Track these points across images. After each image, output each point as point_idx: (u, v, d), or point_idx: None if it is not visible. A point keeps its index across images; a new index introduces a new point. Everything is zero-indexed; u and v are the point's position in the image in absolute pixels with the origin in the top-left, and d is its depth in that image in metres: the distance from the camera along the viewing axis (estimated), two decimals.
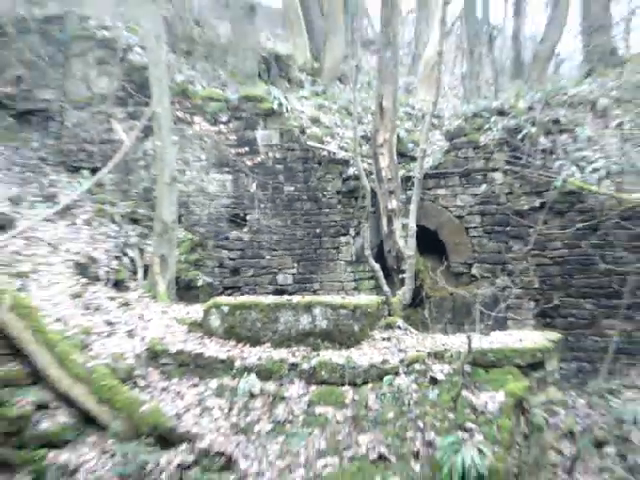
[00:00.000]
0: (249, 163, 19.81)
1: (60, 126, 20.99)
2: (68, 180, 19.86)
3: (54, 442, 13.32)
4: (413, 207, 17.82)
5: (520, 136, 18.31)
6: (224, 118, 20.14)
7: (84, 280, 16.42)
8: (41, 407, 13.56)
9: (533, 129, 18.25)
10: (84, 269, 16.92)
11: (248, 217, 19.74)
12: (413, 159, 18.58)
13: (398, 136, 18.87)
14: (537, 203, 17.93)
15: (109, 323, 14.85)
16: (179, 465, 12.88)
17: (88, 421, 13.50)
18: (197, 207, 19.65)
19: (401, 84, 20.63)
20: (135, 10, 21.87)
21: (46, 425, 13.46)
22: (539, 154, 18.11)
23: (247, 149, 19.95)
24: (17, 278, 15.43)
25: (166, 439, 13.11)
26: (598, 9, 24.41)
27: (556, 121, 18.29)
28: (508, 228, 18.17)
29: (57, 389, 13.64)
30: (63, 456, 13.19)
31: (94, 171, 19.30)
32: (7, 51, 21.67)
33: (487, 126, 18.88)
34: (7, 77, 21.55)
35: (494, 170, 18.47)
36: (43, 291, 15.49)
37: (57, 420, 13.50)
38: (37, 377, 13.74)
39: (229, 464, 12.83)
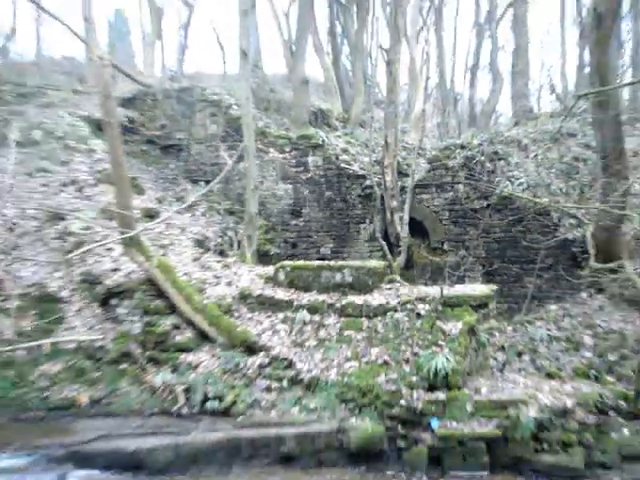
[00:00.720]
0: (303, 177, 19.84)
1: (187, 155, 21.11)
2: (191, 188, 20.02)
3: (184, 348, 13.54)
4: (406, 206, 17.89)
5: (474, 162, 18.28)
6: (288, 149, 20.17)
7: (200, 250, 16.55)
8: (175, 327, 13.78)
9: (482, 157, 18.22)
10: (200, 243, 17.07)
11: (302, 211, 19.77)
12: (406, 175, 18.58)
13: (397, 161, 18.87)
14: (485, 204, 17.90)
15: (216, 277, 14.95)
16: (259, 364, 13.03)
17: (203, 337, 13.68)
18: (270, 205, 19.71)
19: (399, 128, 20.57)
20: (233, 83, 22.01)
21: (179, 338, 13.68)
22: (485, 173, 18.09)
23: (302, 169, 19.97)
24: (160, 248, 15.60)
25: (251, 349, 13.25)
26: (521, 84, 24.57)
27: (496, 152, 18.25)
28: (466, 219, 18.14)
29: (185, 317, 13.85)
30: (189, 357, 13.40)
31: (207, 182, 19.41)
32: (157, 109, 21.87)
33: (453, 155, 18.81)
34: (156, 125, 21.72)
35: (457, 183, 18.42)
36: (176, 256, 15.65)
37: (185, 335, 13.72)
38: (172, 309, 13.95)
39: (290, 365, 12.95)
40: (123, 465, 10.67)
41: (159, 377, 12.93)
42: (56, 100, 22.71)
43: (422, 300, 13.33)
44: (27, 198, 17.17)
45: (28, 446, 10.94)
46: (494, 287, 14.50)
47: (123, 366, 13.44)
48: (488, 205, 17.79)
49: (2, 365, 13.20)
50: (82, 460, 10.68)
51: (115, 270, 14.79)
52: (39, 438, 11.39)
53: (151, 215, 17.16)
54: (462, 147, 19.01)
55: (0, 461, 10.42)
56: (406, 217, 17.84)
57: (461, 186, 18.37)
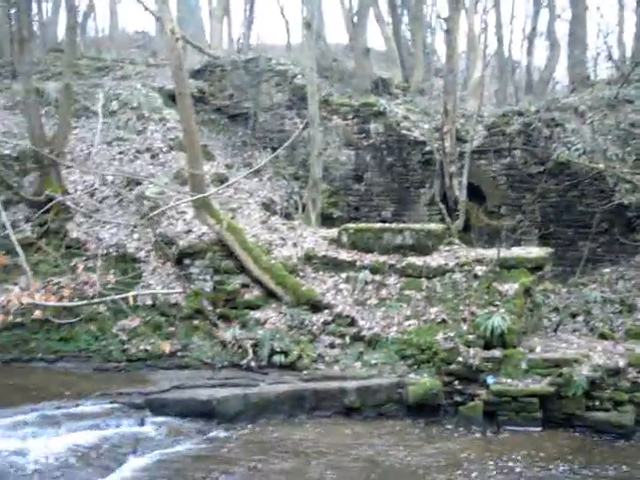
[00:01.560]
0: (365, 144, 19.74)
1: (254, 123, 21.18)
2: (258, 154, 20.12)
3: (252, 306, 13.76)
4: (465, 171, 17.71)
5: (531, 128, 17.96)
6: (350, 116, 20.06)
7: (267, 213, 16.65)
8: (244, 286, 13.99)
9: (539, 124, 17.87)
10: (267, 207, 17.18)
11: (364, 176, 19.71)
12: (465, 141, 18.33)
13: (456, 128, 18.64)
14: (541, 169, 17.57)
15: (282, 238, 15.04)
16: (323, 321, 13.18)
17: (270, 295, 13.87)
18: (333, 170, 19.69)
19: (458, 95, 20.30)
20: (298, 53, 21.97)
21: (247, 296, 13.90)
22: (542, 139, 17.78)
23: (364, 135, 19.85)
24: (230, 211, 15.77)
25: (316, 307, 13.39)
26: (578, 52, 23.91)
27: (553, 119, 17.87)
28: (523, 184, 17.88)
29: (253, 276, 14.04)
30: (257, 314, 13.62)
31: (273, 149, 19.48)
32: (225, 80, 21.98)
33: (510, 122, 18.48)
34: (224, 95, 21.84)
35: (515, 149, 18.13)
36: (244, 219, 15.80)
37: (253, 294, 13.93)
38: (241, 269, 14.15)
39: (352, 322, 13.07)
40: (196, 413, 10.97)
41: (229, 333, 13.18)
42: (131, 73, 23.00)
43: (479, 262, 13.26)
44: (106, 165, 17.52)
45: (110, 394, 11.31)
46: (549, 250, 14.32)
47: (195, 322, 13.73)
48: (544, 170, 17.47)
49: (86, 320, 13.61)
50: (159, 407, 11.01)
51: (188, 232, 15.03)
52: (120, 387, 11.76)
53: (221, 180, 17.33)
54: (519, 114, 18.66)
55: (85, 407, 10.80)
56: (464, 182, 17.65)
57: (518, 152, 18.07)
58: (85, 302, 5.88)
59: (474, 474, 8.90)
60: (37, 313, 3.17)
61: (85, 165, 17.50)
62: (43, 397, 11.07)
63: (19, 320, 12.81)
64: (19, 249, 5.80)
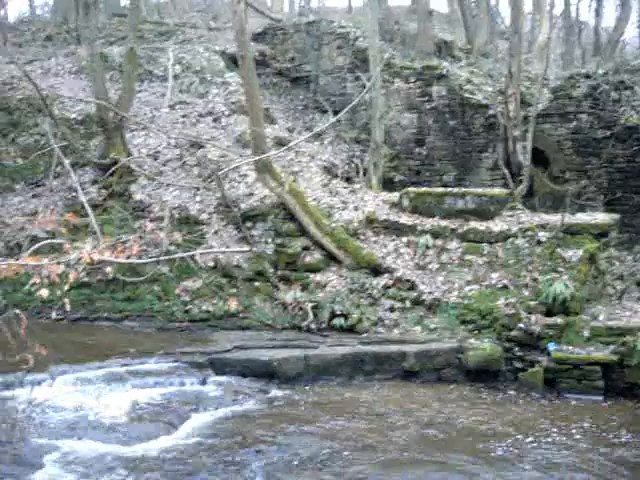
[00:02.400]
0: (427, 107, 19.44)
1: (315, 86, 21.05)
2: (319, 118, 20.00)
3: (313, 269, 13.84)
4: (529, 135, 17.30)
5: (598, 91, 17.45)
6: (412, 79, 19.74)
7: (328, 177, 16.61)
8: (305, 249, 14.05)
9: (607, 86, 17.35)
10: (328, 170, 17.11)
11: (426, 140, 19.44)
12: (529, 105, 17.90)
13: (521, 91, 18.21)
14: (608, 133, 17.08)
15: (343, 202, 15.03)
16: (384, 285, 13.17)
17: (331, 259, 13.91)
18: (395, 134, 19.46)
19: (523, 58, 19.80)
20: (360, 17, 21.68)
21: (308, 259, 13.95)
22: (610, 103, 17.27)
23: (426, 98, 19.48)
24: (291, 175, 15.76)
25: (376, 270, 13.40)
26: None
27: (622, 82, 17.31)
28: (589, 149, 17.43)
29: (314, 239, 14.09)
30: (317, 277, 13.68)
31: (335, 112, 19.31)
32: (286, 43, 21.83)
33: (577, 85, 18.01)
34: (286, 58, 21.69)
35: (581, 113, 17.63)
36: (305, 182, 15.78)
37: (314, 257, 13.98)
38: (302, 232, 14.20)
39: (413, 286, 13.04)
40: (256, 373, 11.16)
41: (290, 295, 13.28)
42: (193, 37, 23.05)
43: (543, 227, 13.06)
44: (169, 128, 17.65)
45: (173, 353, 11.55)
46: (615, 216, 14.01)
47: (257, 284, 13.87)
48: (612, 135, 16.97)
49: (149, 281, 13.87)
50: (221, 367, 11.22)
51: (249, 195, 15.12)
52: (183, 346, 12.01)
53: (282, 143, 17.29)
54: (586, 76, 18.11)
55: (149, 365, 11.04)
56: (529, 146, 17.26)
57: (584, 115, 17.57)
58: (153, 259, 5.97)
59: (534, 440, 8.82)
60: (108, 269, 3.23)
61: (148, 129, 17.66)
62: (109, 355, 11.38)
63: (86, 280, 13.13)
64: (88, 209, 5.90)
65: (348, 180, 17.32)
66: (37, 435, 8.63)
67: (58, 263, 3.56)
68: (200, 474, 7.86)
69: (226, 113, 18.57)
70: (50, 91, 18.28)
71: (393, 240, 13.94)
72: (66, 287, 3.60)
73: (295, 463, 8.14)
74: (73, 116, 18.20)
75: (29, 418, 9.13)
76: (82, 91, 19.06)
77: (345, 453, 8.33)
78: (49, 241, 4.24)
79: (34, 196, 16.35)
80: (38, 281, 3.61)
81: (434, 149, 19.35)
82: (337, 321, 12.68)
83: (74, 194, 15.56)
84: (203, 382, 10.79)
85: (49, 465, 7.81)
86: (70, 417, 9.28)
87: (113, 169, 15.94)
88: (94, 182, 16.21)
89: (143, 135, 17.69)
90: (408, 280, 13.02)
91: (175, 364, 11.14)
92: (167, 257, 4.83)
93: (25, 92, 18.74)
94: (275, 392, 10.76)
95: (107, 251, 3.67)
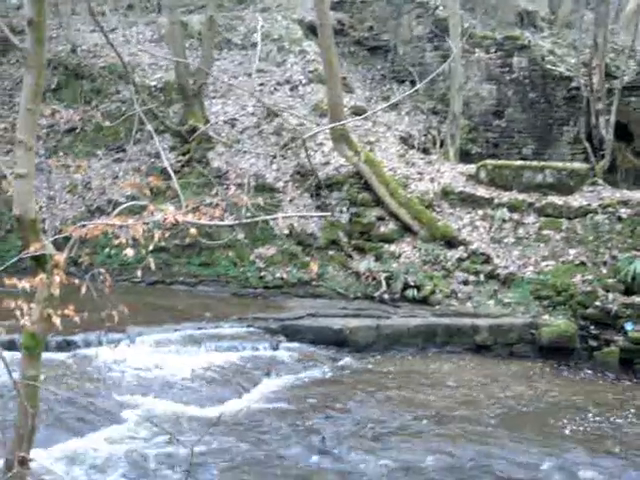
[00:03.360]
0: (507, 78, 19.04)
1: (394, 56, 20.81)
2: (397, 88, 19.76)
3: (387, 239, 13.81)
4: (613, 109, 16.79)
5: None
6: (493, 50, 19.33)
7: (405, 147, 16.46)
8: (380, 219, 14.01)
9: None
10: (405, 140, 16.95)
11: (505, 112, 19.06)
12: (614, 77, 17.33)
13: (606, 63, 17.65)
14: None
15: (419, 173, 14.91)
16: (458, 258, 13.05)
17: (405, 229, 13.84)
18: (473, 105, 19.10)
19: (609, 29, 19.14)
20: None
21: (382, 229, 13.92)
22: None
23: (506, 69, 19.13)
24: (367, 144, 15.68)
25: (451, 243, 13.29)
26: None
27: None
28: None
29: (389, 209, 14.04)
30: (391, 247, 13.66)
31: (412, 82, 19.06)
32: (365, 12, 21.61)
33: None
34: (364, 27, 21.48)
35: None
36: (381, 152, 15.68)
37: (389, 227, 13.93)
38: (377, 202, 14.16)
39: (487, 260, 12.89)
40: (328, 341, 11.26)
41: (363, 264, 13.30)
42: (271, 5, 23.01)
43: (624, 204, 12.69)
44: (247, 97, 17.74)
45: (247, 318, 11.72)
46: None
47: (331, 253, 13.92)
48: None
49: (224, 247, 14.06)
50: (293, 333, 11.35)
51: (325, 164, 15.13)
52: (256, 312, 12.18)
53: (359, 113, 17.16)
54: None
55: (223, 329, 11.25)
56: (612, 120, 16.73)
57: None
58: (236, 222, 6.03)
59: (609, 420, 8.65)
60: (193, 232, 3.28)
61: (227, 97, 17.81)
62: (185, 318, 11.64)
63: (163, 245, 13.39)
64: (171, 172, 6.04)
65: (425, 151, 17.12)
66: (117, 392, 8.92)
67: (144, 223, 3.64)
68: (271, 437, 7.99)
69: (303, 82, 18.55)
70: (132, 59, 18.56)
71: (469, 213, 13.77)
72: (151, 247, 3.68)
73: (365, 431, 8.18)
74: (153, 83, 18.48)
75: (109, 375, 9.44)
76: (162, 59, 19.30)
77: (416, 423, 8.34)
78: (133, 203, 4.32)
79: (115, 161, 16.72)
80: (124, 241, 3.70)
81: (513, 121, 18.93)
82: (410, 292, 12.65)
83: (153, 160, 15.90)
84: (275, 348, 10.92)
85: (129, 421, 8.08)
86: (147, 376, 9.54)
87: (194, 137, 16.11)
88: (172, 149, 16.49)
89: (221, 103, 17.85)
90: (483, 253, 12.87)
91: (248, 329, 11.31)
92: (249, 220, 4.83)
93: (108, 60, 19.10)
94: (346, 360, 10.83)
95: (190, 214, 3.73)
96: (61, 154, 16.40)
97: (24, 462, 3.77)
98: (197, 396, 9.18)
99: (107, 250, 14.28)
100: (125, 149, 16.74)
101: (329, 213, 13.71)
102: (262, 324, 11.49)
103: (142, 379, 9.44)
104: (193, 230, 3.71)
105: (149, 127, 7.24)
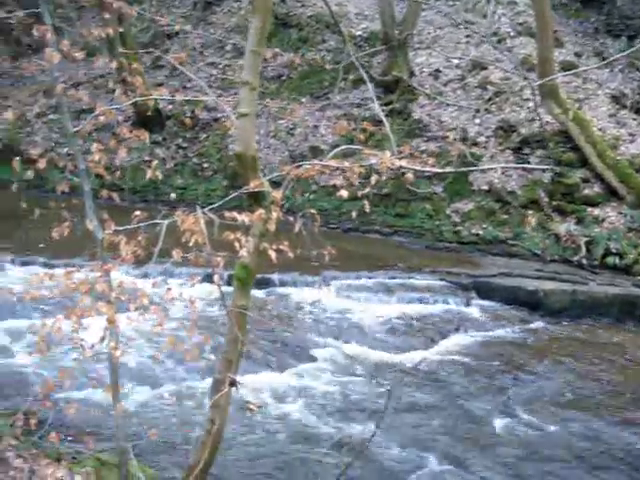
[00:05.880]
0: None
1: (610, 7, 19.51)
2: (611, 43, 18.45)
3: (590, 202, 13.26)
4: None
5: None
6: None
7: (617, 106, 15.37)
8: (584, 181, 13.46)
9: None
10: (617, 100, 15.63)
11: None
12: None
13: None
14: None
15: (630, 134, 14.23)
16: None
17: (611, 193, 13.22)
18: None
19: None
20: None
21: (586, 192, 13.37)
22: None
23: None
24: (576, 102, 14.91)
25: None
26: None
27: None
28: None
29: (595, 171, 13.45)
30: (595, 211, 13.13)
31: (629, 37, 17.80)
32: None
33: None
34: None
35: None
36: (591, 111, 14.90)
37: (593, 190, 13.37)
38: (583, 162, 13.58)
39: None
40: (520, 302, 11.04)
41: (563, 227, 12.82)
42: None
43: None
44: (452, 49, 17.41)
45: (439, 271, 11.74)
46: None
47: (529, 212, 13.46)
48: None
49: (421, 199, 14.05)
50: (485, 291, 11.26)
51: (531, 120, 14.57)
52: (449, 266, 12.14)
53: (568, 69, 16.31)
54: None
55: (415, 280, 11.32)
56: None
57: None
58: (452, 170, 5.98)
59: None
60: (407, 176, 3.29)
61: (432, 48, 17.57)
62: (378, 266, 11.83)
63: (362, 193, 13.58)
64: (383, 118, 6.07)
65: (638, 112, 16.02)
66: (308, 331, 9.33)
67: (360, 166, 3.70)
68: (455, 391, 8.03)
69: (511, 34, 17.87)
70: (338, 9, 18.73)
71: None
72: (367, 189, 3.74)
73: (553, 396, 8.06)
74: (358, 33, 18.57)
75: (302, 316, 9.85)
76: (368, 9, 19.33)
77: (604, 397, 8.08)
78: (348, 146, 4.39)
79: (319, 110, 17.05)
80: (338, 183, 3.78)
81: None
82: (611, 259, 12.06)
83: (356, 109, 16.08)
84: (466, 304, 10.88)
85: (320, 359, 8.43)
86: (338, 320, 9.89)
87: (399, 90, 16.08)
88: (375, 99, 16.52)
89: (425, 54, 17.64)
90: None
91: (440, 283, 11.33)
92: (464, 169, 4.77)
93: (315, 9, 19.41)
94: (538, 323, 10.63)
95: (405, 159, 3.75)
96: (268, 100, 16.97)
97: (233, 384, 4.02)
98: (385, 343, 9.43)
99: (306, 195, 14.67)
100: (329, 97, 17.02)
101: (549, 166, 13.18)
102: (454, 279, 11.45)
103: (333, 321, 9.81)
104: (410, 175, 3.72)
105: (364, 75, 7.31)
